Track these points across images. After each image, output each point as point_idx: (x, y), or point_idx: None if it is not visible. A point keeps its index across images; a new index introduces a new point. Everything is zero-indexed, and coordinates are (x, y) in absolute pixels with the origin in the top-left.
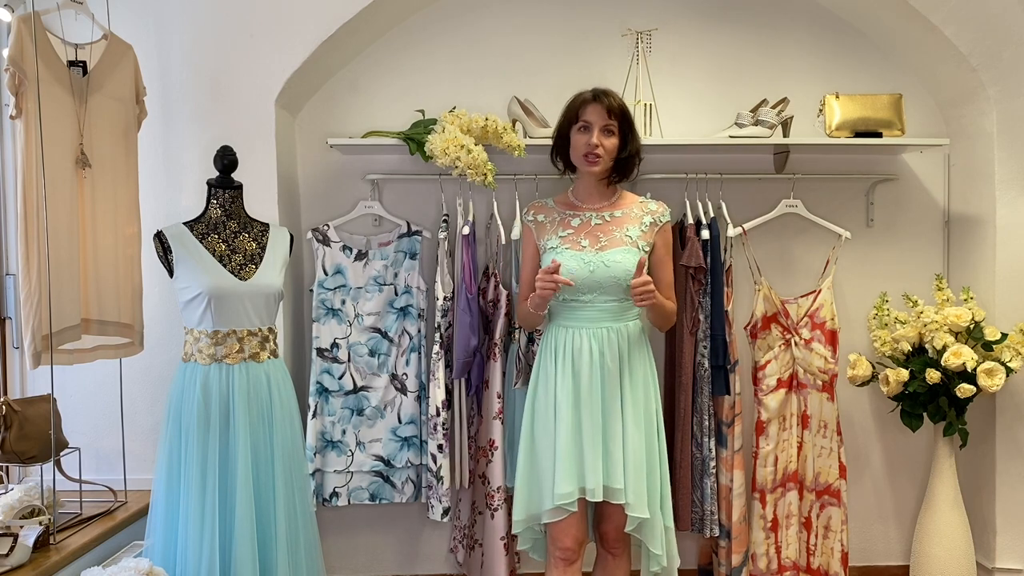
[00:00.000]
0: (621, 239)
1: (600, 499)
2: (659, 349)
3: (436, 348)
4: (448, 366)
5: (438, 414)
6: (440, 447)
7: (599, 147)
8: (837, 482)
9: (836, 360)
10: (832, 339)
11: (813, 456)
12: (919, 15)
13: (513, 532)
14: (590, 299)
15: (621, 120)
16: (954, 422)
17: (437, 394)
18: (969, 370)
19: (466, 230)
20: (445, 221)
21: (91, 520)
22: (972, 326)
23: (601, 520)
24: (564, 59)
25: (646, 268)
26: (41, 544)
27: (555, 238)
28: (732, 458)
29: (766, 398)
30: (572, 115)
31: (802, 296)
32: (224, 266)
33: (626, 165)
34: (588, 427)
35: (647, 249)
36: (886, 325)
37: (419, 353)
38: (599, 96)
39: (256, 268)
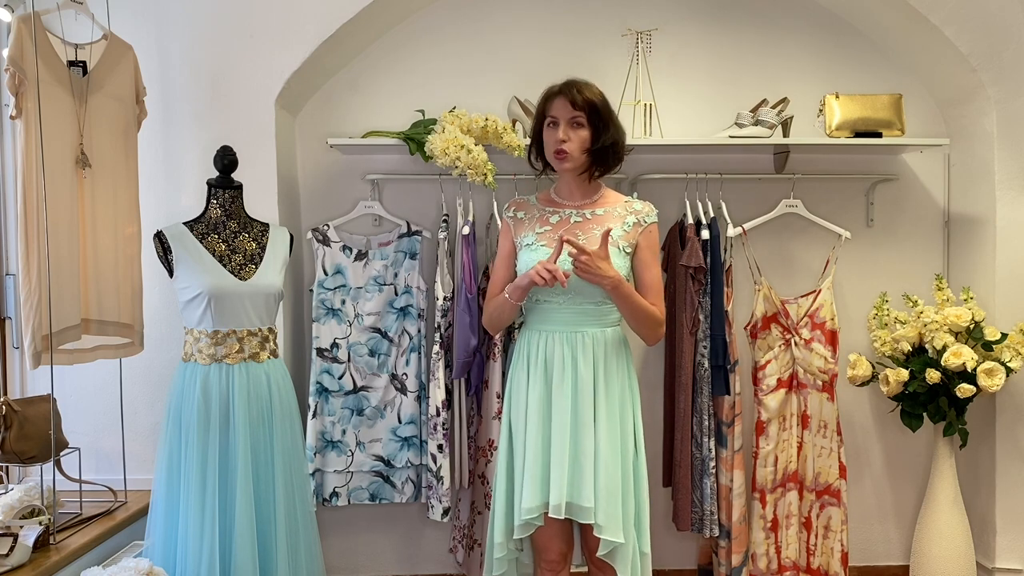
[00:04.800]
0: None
1: (563, 516)
2: (659, 349)
3: (436, 348)
4: (448, 366)
5: (438, 414)
6: (440, 447)
7: (565, 142)
8: (837, 482)
9: (836, 360)
10: (832, 339)
11: (813, 456)
12: (919, 15)
13: (496, 556)
14: (565, 300)
15: (590, 111)
16: (954, 422)
17: (437, 394)
18: (969, 370)
19: (466, 230)
20: (445, 221)
21: (91, 520)
22: (972, 326)
23: (587, 536)
24: (564, 59)
25: (629, 270)
26: (41, 544)
27: (531, 235)
28: (732, 458)
29: (766, 398)
30: (541, 112)
31: (802, 296)
32: (224, 266)
33: (603, 157)
34: (556, 439)
35: (628, 251)
36: (886, 325)
37: (419, 353)
38: (564, 89)
39: (256, 268)
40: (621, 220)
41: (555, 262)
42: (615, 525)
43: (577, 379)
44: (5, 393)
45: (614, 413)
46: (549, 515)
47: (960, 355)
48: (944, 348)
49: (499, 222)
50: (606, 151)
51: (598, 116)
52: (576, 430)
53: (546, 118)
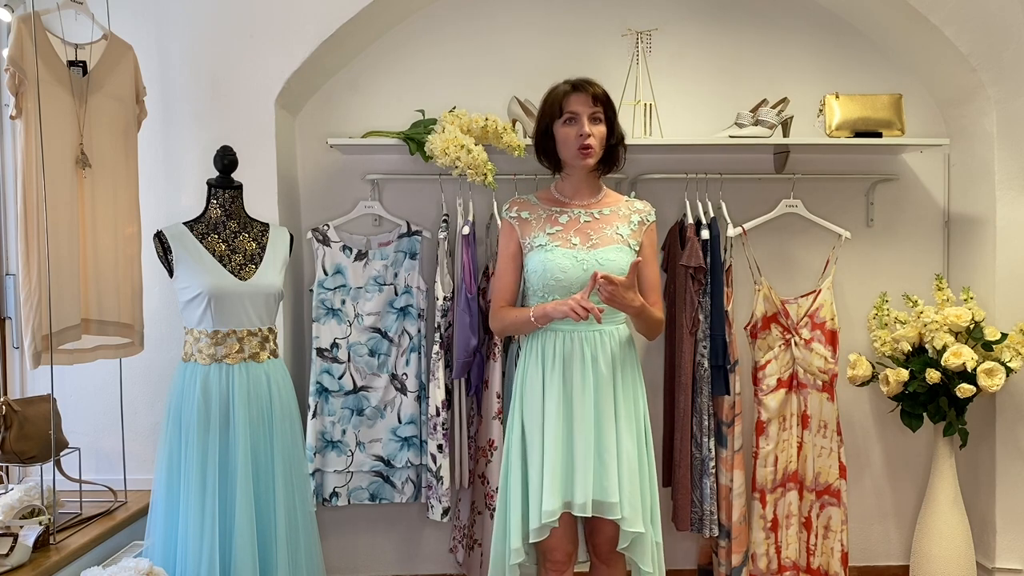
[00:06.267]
0: (612, 237)
1: (590, 515)
2: (659, 349)
3: (436, 348)
4: (448, 366)
5: (438, 414)
6: (440, 447)
7: (591, 136)
8: (837, 482)
9: (836, 360)
10: (832, 339)
11: (813, 456)
12: (919, 15)
13: (511, 563)
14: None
15: (606, 106)
16: (954, 422)
17: (437, 394)
18: (969, 370)
19: (466, 230)
20: (445, 221)
21: (91, 520)
22: (972, 326)
23: (593, 532)
24: (564, 59)
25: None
26: (41, 544)
27: (543, 235)
28: (732, 458)
29: (766, 398)
30: (555, 108)
31: (802, 296)
32: (224, 266)
33: (613, 154)
34: (580, 438)
35: (636, 249)
36: (886, 325)
37: (419, 353)
38: (581, 85)
39: (256, 268)
40: (627, 219)
41: (588, 296)
42: (638, 516)
43: (598, 377)
44: (5, 393)
45: (630, 406)
46: (575, 514)
47: (960, 355)
48: (944, 348)
49: (499, 222)
50: (618, 147)
51: (612, 112)
52: (599, 427)
53: (562, 115)
